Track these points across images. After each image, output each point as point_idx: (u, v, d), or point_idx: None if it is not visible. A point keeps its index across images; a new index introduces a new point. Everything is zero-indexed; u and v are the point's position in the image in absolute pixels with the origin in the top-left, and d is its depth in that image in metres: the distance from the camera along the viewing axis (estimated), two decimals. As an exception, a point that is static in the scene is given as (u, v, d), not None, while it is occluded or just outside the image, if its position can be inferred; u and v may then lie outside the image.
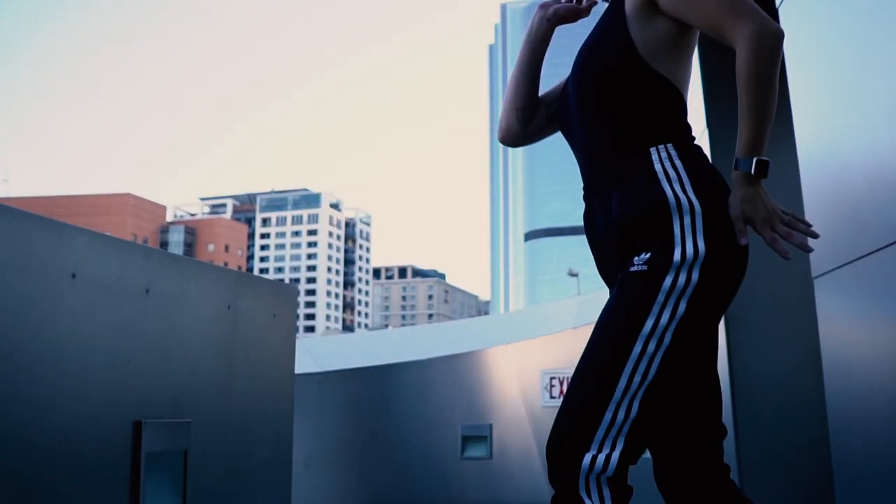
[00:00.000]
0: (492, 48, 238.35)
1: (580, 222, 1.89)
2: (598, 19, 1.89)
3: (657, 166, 1.68)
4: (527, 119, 1.99)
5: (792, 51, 3.75)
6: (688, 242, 1.62)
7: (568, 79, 1.87)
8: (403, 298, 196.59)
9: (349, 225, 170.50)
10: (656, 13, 1.72)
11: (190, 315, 2.58)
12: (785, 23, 3.84)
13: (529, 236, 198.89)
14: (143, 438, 2.34)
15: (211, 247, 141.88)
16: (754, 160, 1.60)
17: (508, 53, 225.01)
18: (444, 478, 6.60)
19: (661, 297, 1.60)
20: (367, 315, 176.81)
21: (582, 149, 1.80)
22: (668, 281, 1.61)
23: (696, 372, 1.69)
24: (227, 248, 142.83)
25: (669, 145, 1.69)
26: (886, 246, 2.90)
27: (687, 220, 1.63)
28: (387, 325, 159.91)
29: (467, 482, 6.54)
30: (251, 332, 2.87)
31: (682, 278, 1.61)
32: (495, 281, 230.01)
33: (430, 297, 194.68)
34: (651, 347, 1.60)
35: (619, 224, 1.69)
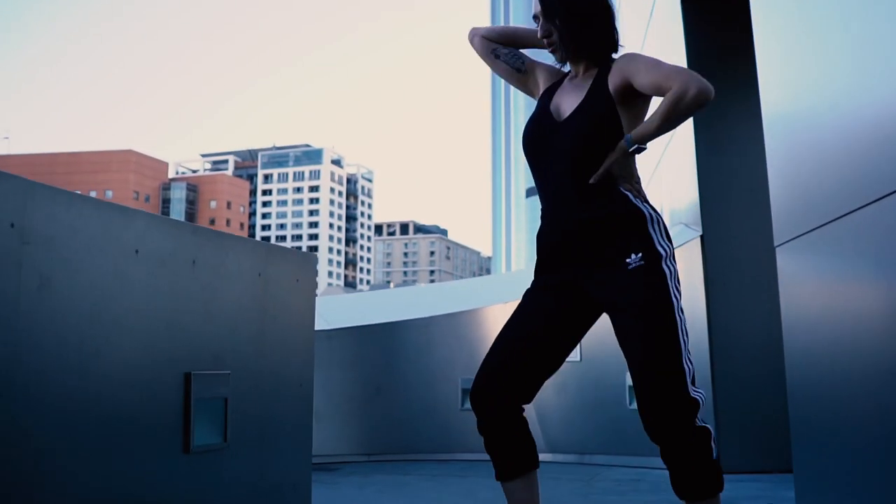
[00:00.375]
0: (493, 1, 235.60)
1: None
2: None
3: (628, 193, 2.29)
4: (494, 40, 2.64)
5: (762, 48, 4.11)
6: (658, 243, 2.24)
7: (544, 122, 2.40)
8: (405, 255, 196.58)
9: (351, 181, 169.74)
10: (632, 96, 2.27)
11: (228, 282, 2.99)
12: (756, 10, 4.19)
13: (531, 192, 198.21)
14: (193, 387, 2.75)
15: (213, 203, 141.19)
16: (636, 146, 2.20)
17: (510, 4, 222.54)
18: (445, 428, 6.92)
19: (669, 281, 2.22)
20: (369, 271, 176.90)
21: (558, 179, 2.33)
22: (665, 269, 2.22)
23: (570, 338, 2.40)
24: (228, 205, 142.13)
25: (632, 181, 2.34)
26: (831, 221, 3.28)
27: (656, 227, 2.26)
28: (388, 282, 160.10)
29: (466, 432, 6.75)
30: (278, 295, 3.28)
31: (668, 266, 2.23)
32: (497, 237, 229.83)
33: (432, 253, 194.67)
34: (682, 315, 2.23)
35: (604, 224, 2.26)
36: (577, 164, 2.28)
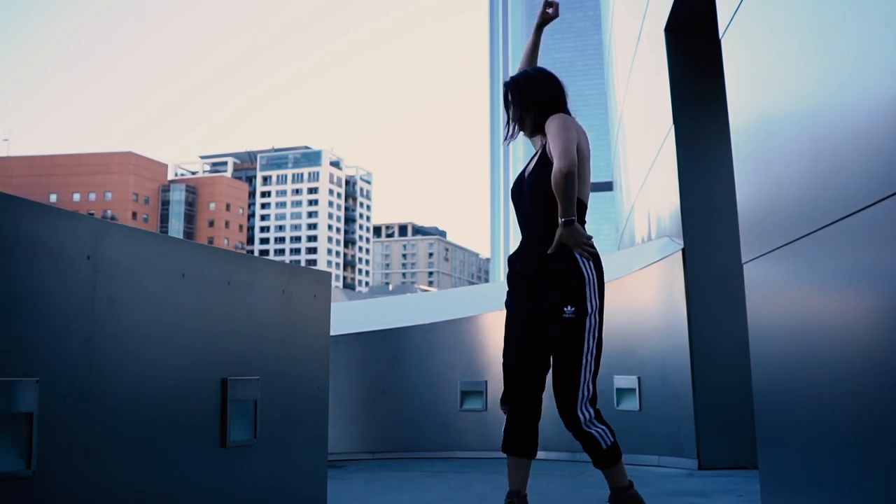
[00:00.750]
0: (492, 2, 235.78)
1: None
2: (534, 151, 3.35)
3: (577, 256, 3.11)
4: None
5: (733, 86, 4.52)
6: (589, 300, 3.08)
7: (523, 178, 3.17)
8: (404, 256, 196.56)
9: (350, 183, 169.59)
10: None
11: (257, 299, 3.41)
12: (727, 49, 4.61)
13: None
14: (229, 391, 3.16)
15: (212, 205, 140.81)
16: (563, 220, 2.99)
17: (509, 5, 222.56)
18: (446, 427, 7.25)
19: (586, 334, 3.08)
20: (367, 273, 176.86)
21: (528, 224, 3.11)
22: (588, 323, 3.07)
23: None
24: (228, 207, 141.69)
25: None
26: (789, 242, 3.69)
27: (591, 287, 3.08)
28: (387, 283, 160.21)
29: (465, 431, 7.20)
30: (298, 309, 3.70)
31: (592, 320, 3.09)
32: (495, 239, 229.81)
33: (431, 254, 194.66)
34: (590, 357, 3.09)
35: (552, 277, 3.10)
36: (533, 217, 3.17)
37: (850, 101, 3.02)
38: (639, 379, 6.29)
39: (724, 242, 5.96)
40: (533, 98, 3.25)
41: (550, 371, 3.28)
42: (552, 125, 3.08)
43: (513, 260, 3.25)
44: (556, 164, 2.92)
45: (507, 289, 3.33)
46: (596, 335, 3.12)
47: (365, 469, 6.48)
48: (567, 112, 3.23)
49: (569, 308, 3.08)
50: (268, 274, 3.50)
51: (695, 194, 6.17)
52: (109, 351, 2.63)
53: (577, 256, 3.09)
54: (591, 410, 3.12)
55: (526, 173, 3.22)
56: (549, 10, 3.54)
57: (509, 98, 3.29)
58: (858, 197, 2.96)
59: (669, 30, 6.34)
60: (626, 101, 9.73)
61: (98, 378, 2.57)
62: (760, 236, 4.14)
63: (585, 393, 3.11)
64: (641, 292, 6.35)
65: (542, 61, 3.41)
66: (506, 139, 3.35)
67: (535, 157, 3.23)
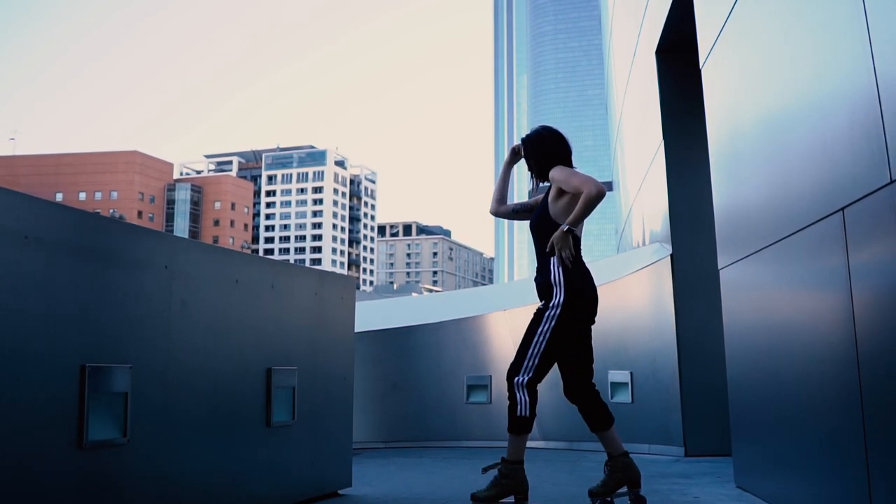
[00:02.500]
0: (497, 2, 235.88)
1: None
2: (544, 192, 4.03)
3: (553, 268, 3.78)
4: (502, 201, 4.30)
5: (712, 112, 5.04)
6: (556, 297, 3.75)
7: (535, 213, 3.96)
8: (408, 255, 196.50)
9: (354, 182, 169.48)
10: (558, 195, 3.64)
11: (296, 300, 3.96)
12: (706, 78, 5.13)
13: (533, 194, 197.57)
14: (273, 379, 3.72)
15: (217, 204, 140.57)
16: (567, 227, 3.64)
17: (514, 4, 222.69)
18: (453, 419, 7.75)
19: (545, 320, 3.77)
20: (372, 272, 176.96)
21: (537, 258, 3.83)
22: (549, 314, 3.76)
23: (568, 348, 3.85)
24: (233, 206, 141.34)
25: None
26: (755, 252, 4.20)
27: (559, 290, 3.75)
28: (391, 283, 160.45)
29: (471, 422, 7.70)
30: (328, 309, 4.24)
31: (552, 312, 3.75)
32: (499, 238, 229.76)
33: (435, 254, 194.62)
34: (541, 338, 3.77)
35: (542, 284, 3.81)
36: (535, 243, 3.90)
37: (800, 132, 3.54)
38: (631, 374, 6.80)
39: (708, 249, 6.41)
40: (543, 152, 3.98)
41: (565, 363, 3.95)
42: (557, 172, 3.78)
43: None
44: (594, 186, 3.55)
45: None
46: (552, 324, 3.77)
47: (379, 456, 7.01)
48: (570, 165, 3.93)
49: (542, 303, 3.86)
50: (303, 279, 4.05)
51: (682, 205, 6.67)
52: (182, 344, 3.18)
53: (553, 263, 3.75)
54: (526, 379, 3.78)
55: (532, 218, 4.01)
56: (517, 153, 4.29)
57: (524, 152, 4.11)
58: (807, 214, 3.46)
59: (660, 51, 6.86)
60: (624, 109, 10.23)
61: (173, 367, 3.13)
62: (733, 246, 4.65)
63: (529, 364, 3.78)
64: (634, 294, 6.88)
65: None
66: (533, 189, 4.14)
67: (540, 204, 3.96)
